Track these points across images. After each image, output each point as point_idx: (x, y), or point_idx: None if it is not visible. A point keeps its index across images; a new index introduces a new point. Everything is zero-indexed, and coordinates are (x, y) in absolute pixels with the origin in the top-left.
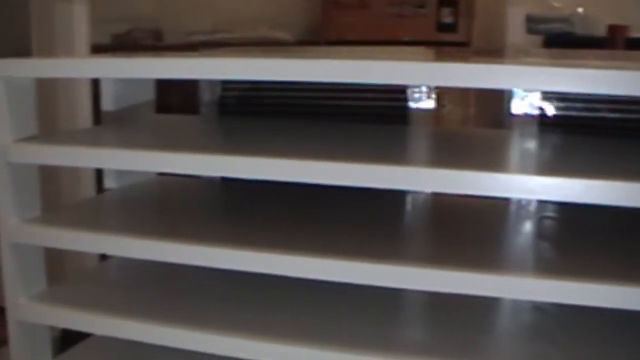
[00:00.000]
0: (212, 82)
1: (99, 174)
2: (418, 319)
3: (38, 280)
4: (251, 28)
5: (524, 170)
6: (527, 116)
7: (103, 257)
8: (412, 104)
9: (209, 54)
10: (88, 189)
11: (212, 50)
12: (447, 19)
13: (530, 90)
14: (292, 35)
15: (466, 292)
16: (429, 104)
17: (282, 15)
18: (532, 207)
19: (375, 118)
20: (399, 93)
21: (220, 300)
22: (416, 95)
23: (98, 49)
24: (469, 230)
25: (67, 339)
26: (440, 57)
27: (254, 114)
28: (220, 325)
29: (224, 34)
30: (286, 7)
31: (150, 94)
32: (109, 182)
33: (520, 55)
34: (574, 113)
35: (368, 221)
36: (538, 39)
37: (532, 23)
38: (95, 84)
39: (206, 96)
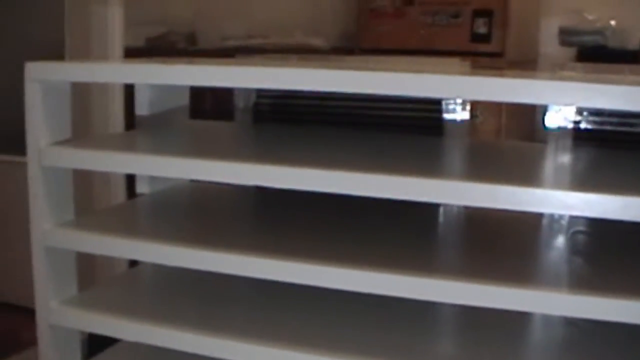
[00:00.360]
0: (247, 89)
1: (130, 178)
2: (445, 332)
3: (69, 284)
4: (286, 34)
5: (560, 185)
6: (561, 129)
7: (132, 262)
8: (447, 115)
9: (245, 62)
10: (119, 194)
11: (248, 56)
12: (481, 29)
13: (567, 105)
14: (327, 42)
15: (498, 307)
16: (463, 115)
17: (318, 21)
18: (566, 221)
19: (410, 128)
20: (433, 104)
21: (251, 309)
22: (450, 106)
23: (132, 52)
24: (502, 244)
25: (94, 342)
26: (475, 71)
27: (288, 121)
28: (249, 333)
29: (259, 39)
30: (322, 14)
31: (184, 99)
32: (141, 187)
33: (556, 69)
34: (608, 127)
35: (402, 233)
36: (571, 51)
37: (566, 35)
38: (128, 87)
39: (241, 103)
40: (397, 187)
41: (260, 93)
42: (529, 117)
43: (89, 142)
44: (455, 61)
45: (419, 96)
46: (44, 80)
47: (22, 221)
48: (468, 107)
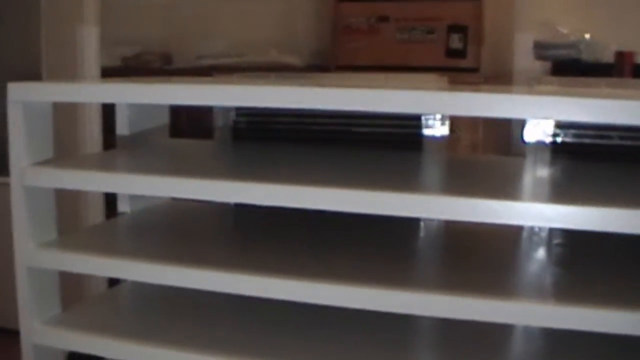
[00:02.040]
0: (226, 107)
1: (111, 197)
2: (426, 347)
3: (53, 304)
4: (261, 52)
5: (539, 198)
6: (538, 143)
7: (113, 281)
8: (426, 130)
9: (225, 80)
10: (97, 213)
11: (227, 75)
12: (456, 44)
13: (545, 118)
14: (301, 59)
15: (477, 319)
16: (443, 130)
17: (292, 39)
18: (545, 234)
19: (389, 144)
20: (412, 119)
21: (233, 326)
22: (429, 122)
23: (108, 72)
24: (482, 257)
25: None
26: (454, 86)
27: (267, 139)
28: (232, 350)
29: (234, 57)
30: (296, 32)
31: (164, 118)
32: (122, 206)
33: (533, 83)
34: (585, 140)
35: (380, 248)
36: (546, 65)
37: (540, 49)
38: (106, 106)
39: (220, 121)
40: (376, 203)
41: (240, 111)
42: (505, 131)
43: (71, 161)
44: (433, 77)
45: (399, 112)
46: (26, 101)
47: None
48: (447, 122)
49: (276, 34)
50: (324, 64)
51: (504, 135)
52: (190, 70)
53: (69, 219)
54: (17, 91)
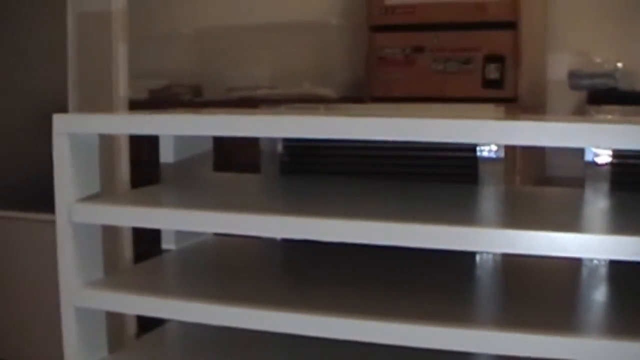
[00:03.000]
0: (272, 140)
1: (151, 234)
2: None
3: (100, 346)
4: (294, 84)
5: (598, 229)
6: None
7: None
8: (480, 162)
9: (272, 112)
10: (126, 250)
11: (272, 107)
12: (493, 75)
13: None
14: (335, 91)
15: (539, 356)
16: (497, 163)
17: (326, 71)
18: (605, 267)
19: (440, 177)
20: (465, 152)
21: None
22: (484, 153)
23: (135, 105)
24: (539, 291)
25: None
26: (514, 116)
27: (315, 172)
28: None
29: (265, 90)
30: (329, 64)
31: (209, 153)
32: (166, 243)
33: (592, 113)
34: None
35: (432, 283)
36: (581, 95)
37: (575, 79)
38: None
39: (267, 154)
40: (428, 237)
41: (287, 144)
42: (539, 160)
43: (118, 197)
44: (489, 107)
45: (463, 143)
46: (72, 133)
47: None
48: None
49: (309, 65)
50: (358, 96)
51: (538, 164)
52: (221, 102)
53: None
54: (63, 123)
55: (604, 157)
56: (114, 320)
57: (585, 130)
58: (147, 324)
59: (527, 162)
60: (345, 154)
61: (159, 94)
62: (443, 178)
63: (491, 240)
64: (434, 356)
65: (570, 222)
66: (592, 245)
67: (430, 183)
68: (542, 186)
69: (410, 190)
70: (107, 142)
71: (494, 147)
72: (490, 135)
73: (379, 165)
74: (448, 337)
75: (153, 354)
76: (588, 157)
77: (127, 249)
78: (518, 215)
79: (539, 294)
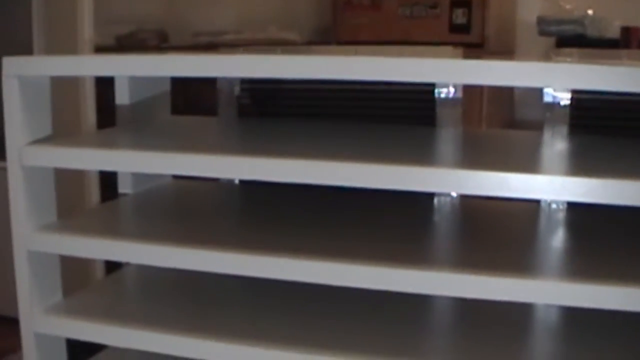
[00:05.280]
0: (230, 82)
1: (109, 178)
2: (441, 329)
3: (54, 290)
4: (259, 29)
5: (558, 171)
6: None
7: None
8: (437, 103)
9: (230, 53)
10: (93, 194)
11: (231, 49)
12: (460, 20)
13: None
14: (301, 36)
15: (496, 298)
16: (455, 102)
17: (291, 16)
18: (558, 209)
19: (398, 118)
20: (421, 93)
21: (241, 309)
22: (440, 95)
23: (101, 51)
24: (493, 234)
25: (77, 348)
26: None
27: (273, 114)
28: (239, 334)
29: (232, 35)
30: (295, 8)
31: (166, 95)
32: (123, 187)
33: (552, 56)
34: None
35: (388, 224)
36: (550, 41)
37: (544, 25)
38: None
39: (224, 96)
40: (387, 177)
41: (244, 86)
42: (508, 104)
43: (71, 140)
44: (447, 49)
45: (413, 82)
46: (22, 76)
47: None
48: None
49: (275, 10)
50: (325, 41)
51: (506, 107)
52: (188, 48)
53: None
54: (13, 65)
55: (564, 98)
56: (82, 264)
57: (531, 69)
58: (115, 268)
59: (494, 106)
60: (302, 96)
61: (125, 39)
62: (402, 120)
63: (439, 180)
64: (394, 298)
65: (518, 162)
66: (537, 185)
67: (388, 125)
68: (507, 129)
69: (366, 131)
70: (72, 85)
71: (451, 89)
72: (436, 73)
73: (336, 107)
74: (402, 278)
75: (107, 297)
76: (547, 98)
77: (94, 194)
78: (468, 156)
79: (497, 237)
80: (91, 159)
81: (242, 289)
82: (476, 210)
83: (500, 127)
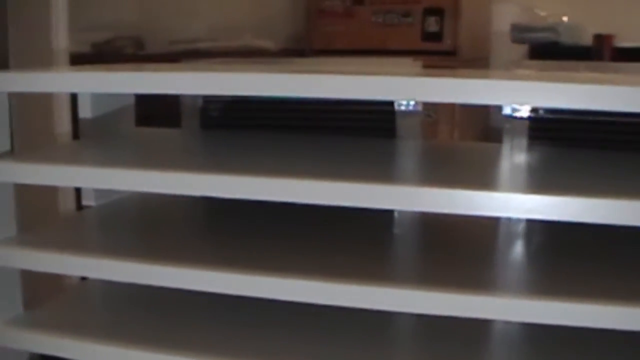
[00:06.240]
0: (193, 95)
1: (77, 190)
2: (402, 344)
3: (14, 303)
4: (235, 37)
5: (519, 188)
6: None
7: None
8: (398, 117)
9: (191, 67)
10: (68, 205)
11: (195, 61)
12: (433, 28)
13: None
14: (276, 44)
15: (456, 315)
16: (416, 116)
17: (267, 23)
18: (524, 225)
19: (361, 131)
20: (384, 105)
21: (206, 325)
22: (402, 107)
23: (77, 58)
24: (458, 250)
25: None
26: (427, 71)
27: (237, 127)
28: (204, 349)
29: (207, 42)
30: (270, 16)
31: (130, 107)
32: (87, 200)
33: (511, 68)
34: (563, 126)
35: (356, 241)
36: (523, 48)
37: (518, 32)
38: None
39: (187, 108)
40: (348, 194)
41: (207, 98)
42: (482, 114)
43: (30, 155)
44: (407, 61)
45: (371, 99)
46: None
47: None
48: (420, 107)
49: (250, 18)
50: (299, 48)
51: (480, 118)
52: (164, 56)
53: (41, 209)
54: None
55: (523, 111)
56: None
57: (476, 86)
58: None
59: (468, 113)
60: (265, 108)
61: (102, 47)
62: (363, 131)
63: (390, 198)
64: (351, 315)
65: (470, 178)
66: (488, 202)
67: (349, 137)
68: (482, 137)
69: (326, 143)
70: (47, 95)
71: (411, 101)
72: (389, 92)
73: (298, 120)
74: (364, 295)
75: (70, 310)
76: (506, 110)
77: (69, 202)
78: (425, 171)
79: (457, 253)
80: (49, 175)
81: (211, 302)
82: (437, 224)
83: (475, 134)
